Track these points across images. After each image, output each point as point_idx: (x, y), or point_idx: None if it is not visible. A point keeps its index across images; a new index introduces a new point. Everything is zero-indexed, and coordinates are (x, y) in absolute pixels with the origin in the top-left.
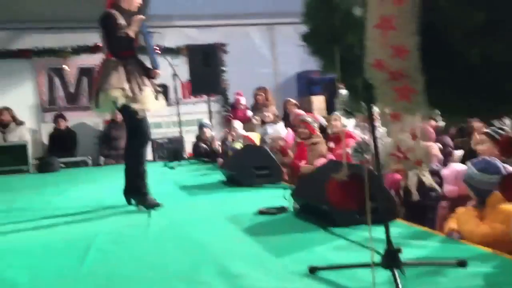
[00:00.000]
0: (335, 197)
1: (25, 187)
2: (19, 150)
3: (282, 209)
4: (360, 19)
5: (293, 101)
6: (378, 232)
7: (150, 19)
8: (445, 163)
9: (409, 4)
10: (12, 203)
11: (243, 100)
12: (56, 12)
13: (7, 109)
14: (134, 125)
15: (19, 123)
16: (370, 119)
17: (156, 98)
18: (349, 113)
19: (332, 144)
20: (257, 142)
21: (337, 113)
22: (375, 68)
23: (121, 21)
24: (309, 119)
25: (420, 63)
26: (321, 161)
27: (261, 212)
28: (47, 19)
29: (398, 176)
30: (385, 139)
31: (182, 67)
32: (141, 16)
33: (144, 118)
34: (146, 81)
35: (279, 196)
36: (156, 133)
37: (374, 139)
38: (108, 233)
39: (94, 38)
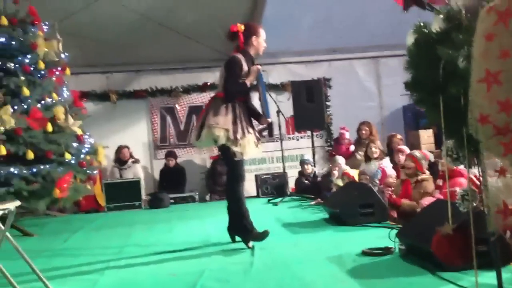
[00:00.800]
0: (440, 252)
1: (138, 222)
2: (133, 186)
3: (387, 250)
4: (464, 71)
5: (399, 136)
6: (490, 277)
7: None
8: None
9: None
10: (127, 238)
11: (347, 135)
12: (169, 55)
13: (125, 147)
14: (231, 165)
15: (135, 160)
16: (479, 170)
17: (256, 145)
18: (456, 160)
19: (441, 182)
20: (357, 178)
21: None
22: (481, 123)
23: (245, 67)
24: (417, 154)
25: None
26: (428, 200)
27: (365, 253)
28: (161, 61)
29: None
30: (493, 190)
31: (286, 103)
32: (259, 67)
33: (240, 160)
34: (250, 127)
35: (384, 236)
36: (260, 169)
37: (484, 188)
38: (214, 270)
39: (204, 77)
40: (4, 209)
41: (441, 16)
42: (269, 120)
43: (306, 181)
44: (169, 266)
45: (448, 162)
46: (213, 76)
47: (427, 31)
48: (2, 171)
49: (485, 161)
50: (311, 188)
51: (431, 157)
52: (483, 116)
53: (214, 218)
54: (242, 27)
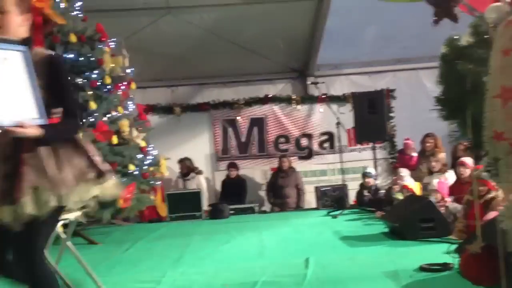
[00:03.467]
0: (468, 272)
1: (197, 233)
2: (194, 197)
3: (445, 266)
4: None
5: (462, 146)
6: None
7: (319, 68)
8: None
9: None
10: (185, 247)
11: (411, 147)
12: (232, 68)
13: (188, 159)
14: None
15: (198, 172)
16: None
17: None
18: (494, 176)
19: None
20: (417, 191)
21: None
22: (496, 140)
23: None
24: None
25: None
26: (492, 215)
27: (423, 269)
28: (224, 74)
29: None
30: None
31: (347, 114)
32: None
33: None
34: None
35: (443, 251)
36: (320, 181)
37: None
38: (266, 282)
39: (265, 89)
40: (65, 219)
41: (469, 30)
42: None
43: (367, 194)
44: (223, 277)
45: (488, 177)
46: (274, 89)
47: (456, 45)
48: None
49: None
50: (372, 201)
51: None
52: (497, 133)
53: (271, 230)
54: None
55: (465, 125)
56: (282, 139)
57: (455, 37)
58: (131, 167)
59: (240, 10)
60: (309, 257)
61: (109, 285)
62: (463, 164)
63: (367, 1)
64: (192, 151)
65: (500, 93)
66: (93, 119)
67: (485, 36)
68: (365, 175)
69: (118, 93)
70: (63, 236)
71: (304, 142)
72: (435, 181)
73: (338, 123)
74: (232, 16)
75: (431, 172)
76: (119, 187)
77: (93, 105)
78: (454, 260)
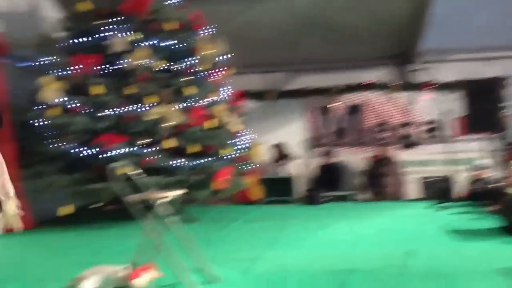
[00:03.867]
0: None
1: (292, 217)
2: (285, 183)
3: None
4: None
5: None
6: None
7: (424, 54)
8: None
9: None
10: (280, 231)
11: None
12: (328, 54)
13: (282, 144)
14: None
15: (293, 157)
16: None
17: None
18: None
19: None
20: None
21: None
22: None
23: None
24: None
25: None
26: None
27: None
28: (320, 60)
29: None
30: None
31: (455, 103)
32: None
33: None
34: None
35: None
36: (423, 171)
37: None
38: (363, 271)
39: (362, 76)
40: (164, 197)
41: None
42: None
43: (479, 187)
44: (318, 262)
45: None
46: (372, 76)
47: None
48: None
49: None
50: (484, 194)
51: None
52: None
53: (367, 219)
54: None
55: None
56: (380, 127)
57: None
58: (227, 151)
59: None
60: (411, 249)
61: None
62: None
63: None
64: (287, 136)
65: None
66: (189, 104)
67: None
68: (477, 166)
69: (214, 79)
70: (165, 211)
71: (405, 130)
72: None
73: (444, 112)
74: (331, 2)
75: None
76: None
77: (190, 90)
78: None
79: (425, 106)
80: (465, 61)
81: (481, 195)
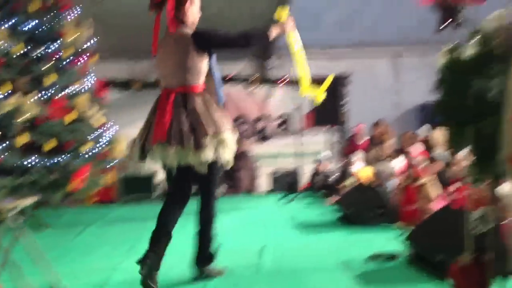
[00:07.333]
0: (458, 283)
1: (151, 218)
2: (146, 180)
3: (394, 255)
4: (495, 105)
5: (409, 134)
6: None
7: (278, 49)
8: None
9: None
10: (139, 235)
11: (362, 132)
12: None
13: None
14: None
15: None
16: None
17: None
18: (477, 181)
19: (452, 189)
20: (367, 178)
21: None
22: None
23: None
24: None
25: None
26: (436, 205)
27: (373, 258)
28: None
29: None
30: None
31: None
32: None
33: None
34: None
35: (393, 238)
36: (276, 164)
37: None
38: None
39: (224, 69)
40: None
41: (473, 41)
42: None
43: (321, 178)
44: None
45: (470, 182)
46: (232, 69)
47: (458, 56)
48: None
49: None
50: (324, 186)
51: (446, 157)
52: None
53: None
54: None
55: (463, 139)
56: (238, 121)
57: (454, 46)
58: (87, 146)
59: None
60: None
61: (62, 275)
62: (407, 153)
63: None
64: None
65: None
66: (49, 94)
67: (491, 49)
68: (320, 158)
69: (78, 67)
70: (16, 221)
71: (261, 124)
72: (385, 167)
73: (296, 106)
74: None
75: (378, 159)
76: None
77: (50, 79)
78: (403, 247)
79: (279, 100)
80: (314, 58)
81: (321, 187)
